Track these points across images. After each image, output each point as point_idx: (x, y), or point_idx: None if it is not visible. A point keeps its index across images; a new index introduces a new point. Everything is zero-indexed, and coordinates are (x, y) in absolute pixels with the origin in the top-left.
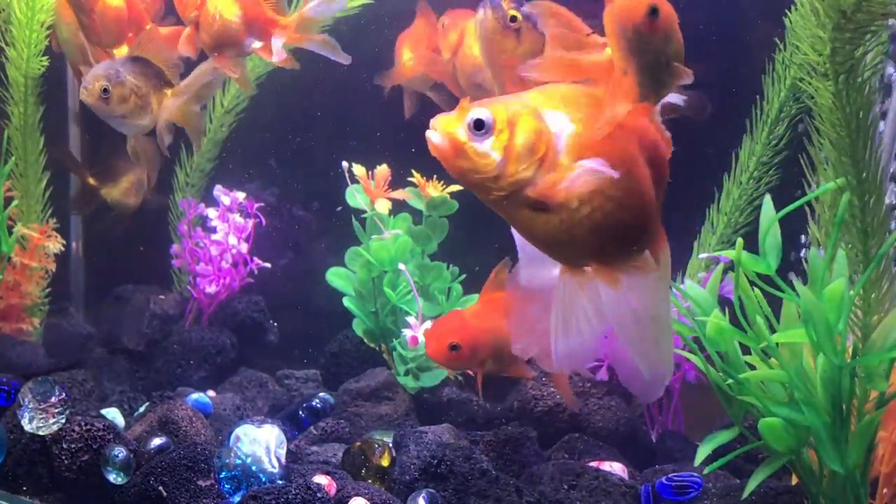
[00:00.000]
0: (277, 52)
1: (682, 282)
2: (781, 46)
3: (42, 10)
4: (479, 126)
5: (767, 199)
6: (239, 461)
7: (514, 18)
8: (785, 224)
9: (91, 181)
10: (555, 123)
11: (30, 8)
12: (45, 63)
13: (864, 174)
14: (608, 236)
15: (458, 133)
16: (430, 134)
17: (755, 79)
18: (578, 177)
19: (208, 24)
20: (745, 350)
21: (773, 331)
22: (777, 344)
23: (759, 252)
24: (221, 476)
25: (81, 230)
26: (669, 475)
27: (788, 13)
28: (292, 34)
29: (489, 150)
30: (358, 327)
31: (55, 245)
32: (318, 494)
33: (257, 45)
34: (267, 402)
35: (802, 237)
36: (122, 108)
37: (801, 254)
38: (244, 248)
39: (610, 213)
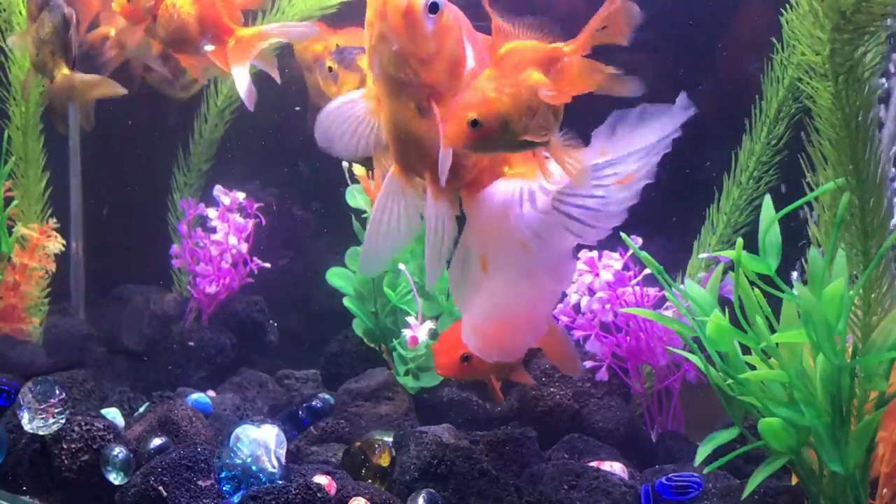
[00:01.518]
0: (241, 82)
1: (682, 282)
2: (779, 46)
3: None
4: (433, 9)
5: (767, 199)
6: (239, 461)
7: (329, 69)
8: (785, 224)
9: None
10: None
11: None
12: None
13: (864, 174)
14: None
15: (417, 4)
16: None
17: (754, 78)
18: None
19: (165, 18)
20: (746, 350)
21: (773, 331)
22: (777, 344)
23: (758, 252)
24: (221, 476)
25: (81, 230)
26: (669, 475)
27: (784, 12)
28: (245, 49)
29: (431, 37)
30: (358, 327)
31: (55, 245)
32: (318, 494)
33: (209, 48)
34: (267, 402)
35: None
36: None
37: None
38: (244, 248)
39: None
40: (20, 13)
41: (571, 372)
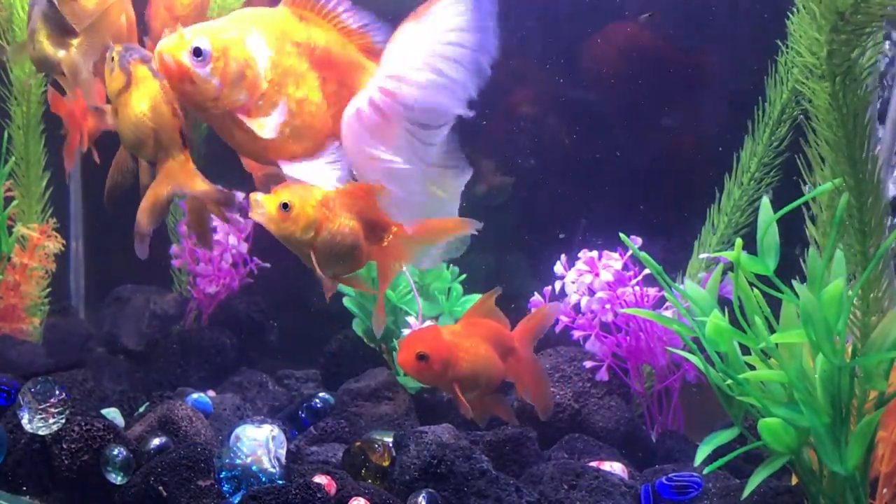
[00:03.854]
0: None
1: (683, 282)
2: (784, 48)
3: None
4: (198, 54)
5: (765, 200)
6: (239, 461)
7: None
8: (784, 225)
9: None
10: (255, 49)
11: None
12: None
13: (862, 174)
14: (287, 148)
15: (183, 59)
16: (159, 53)
17: (758, 79)
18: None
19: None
20: (745, 350)
21: (772, 331)
22: (776, 344)
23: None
24: (221, 476)
25: (82, 230)
26: (669, 475)
27: (791, 14)
28: None
29: (209, 76)
30: (358, 327)
31: (55, 245)
32: (318, 494)
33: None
34: (267, 402)
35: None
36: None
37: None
38: (244, 248)
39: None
40: (21, 13)
41: (543, 413)
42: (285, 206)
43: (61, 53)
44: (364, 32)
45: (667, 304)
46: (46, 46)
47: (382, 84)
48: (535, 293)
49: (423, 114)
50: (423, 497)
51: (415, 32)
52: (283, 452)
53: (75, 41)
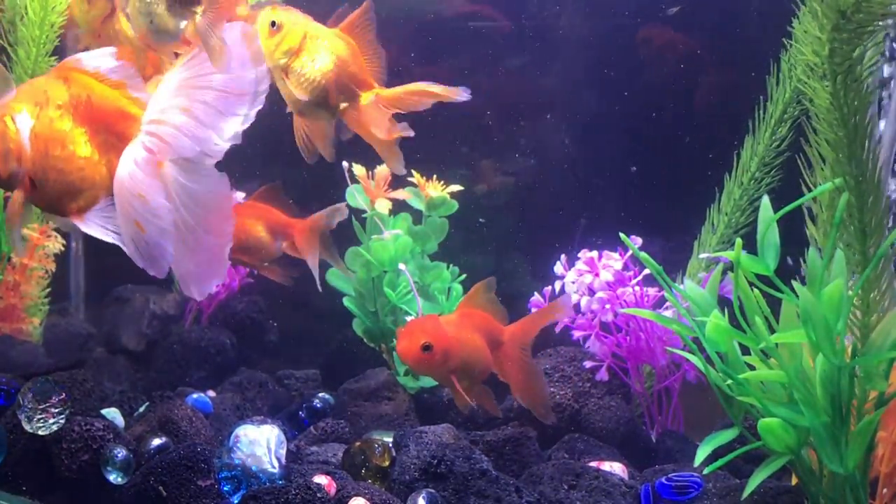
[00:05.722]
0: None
1: (682, 282)
2: (787, 46)
3: (53, 12)
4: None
5: (766, 200)
6: (239, 461)
7: None
8: (785, 225)
9: None
10: (20, 123)
11: (42, 7)
12: (54, 63)
13: (862, 174)
14: (70, 202)
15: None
16: None
17: (759, 78)
18: None
19: None
20: (745, 350)
21: (772, 331)
22: (776, 344)
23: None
24: (221, 476)
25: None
26: (669, 475)
27: (797, 13)
28: None
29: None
30: (358, 327)
31: (55, 245)
32: (318, 494)
33: None
34: (267, 402)
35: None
36: None
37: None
38: None
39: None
40: (28, 13)
41: (543, 418)
42: (273, 23)
43: (183, 24)
44: (122, 82)
45: (667, 304)
46: (168, 19)
47: (146, 129)
48: (535, 293)
49: (186, 151)
50: (423, 497)
51: (172, 79)
52: (283, 452)
53: (199, 8)
